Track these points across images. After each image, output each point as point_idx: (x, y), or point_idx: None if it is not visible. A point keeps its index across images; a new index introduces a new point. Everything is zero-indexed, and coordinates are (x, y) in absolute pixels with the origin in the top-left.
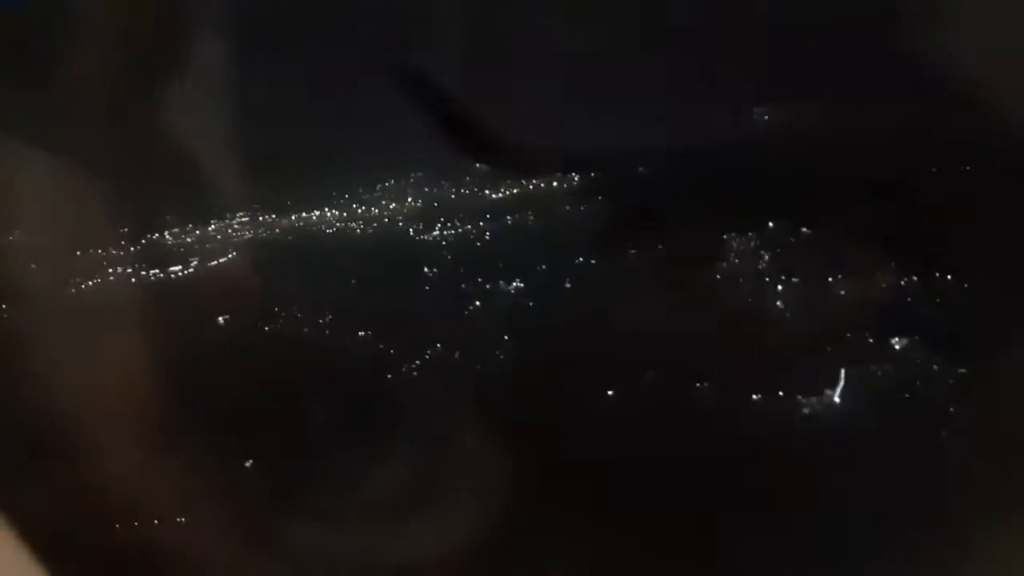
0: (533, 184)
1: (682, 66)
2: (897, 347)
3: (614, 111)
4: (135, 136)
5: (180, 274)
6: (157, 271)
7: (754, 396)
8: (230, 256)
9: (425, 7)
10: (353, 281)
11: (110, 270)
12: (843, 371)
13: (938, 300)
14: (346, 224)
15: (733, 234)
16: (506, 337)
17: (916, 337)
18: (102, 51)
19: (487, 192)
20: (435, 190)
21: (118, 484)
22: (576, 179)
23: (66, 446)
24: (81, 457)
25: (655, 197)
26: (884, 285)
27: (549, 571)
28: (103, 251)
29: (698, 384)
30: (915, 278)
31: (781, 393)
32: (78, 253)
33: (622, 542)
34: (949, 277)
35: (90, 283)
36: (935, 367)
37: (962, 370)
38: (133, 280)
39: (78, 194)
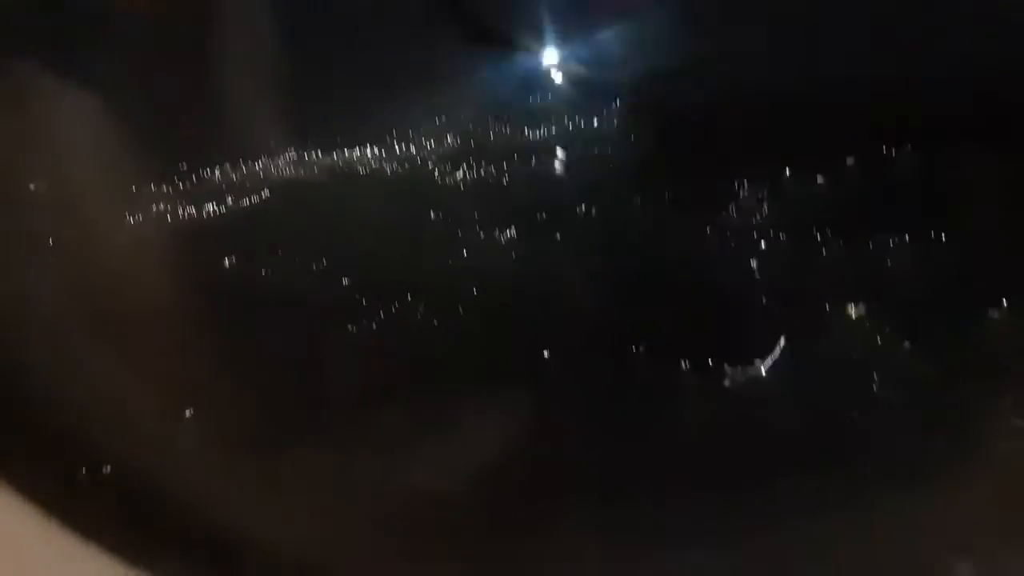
0: (574, 123)
1: None
2: (853, 316)
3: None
4: (182, 72)
5: (213, 213)
6: (193, 210)
7: (683, 364)
8: (263, 195)
9: None
10: (361, 225)
11: (154, 208)
12: (782, 340)
13: (918, 267)
14: (381, 164)
15: (745, 181)
16: (474, 291)
17: (874, 305)
18: None
19: (526, 131)
20: (479, 129)
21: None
22: (615, 117)
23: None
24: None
25: (686, 134)
26: (871, 245)
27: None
28: (157, 188)
29: (633, 348)
30: (907, 238)
31: (710, 362)
32: (133, 189)
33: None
34: (944, 238)
35: (131, 220)
36: (879, 341)
37: (905, 345)
38: (168, 218)
39: (132, 131)
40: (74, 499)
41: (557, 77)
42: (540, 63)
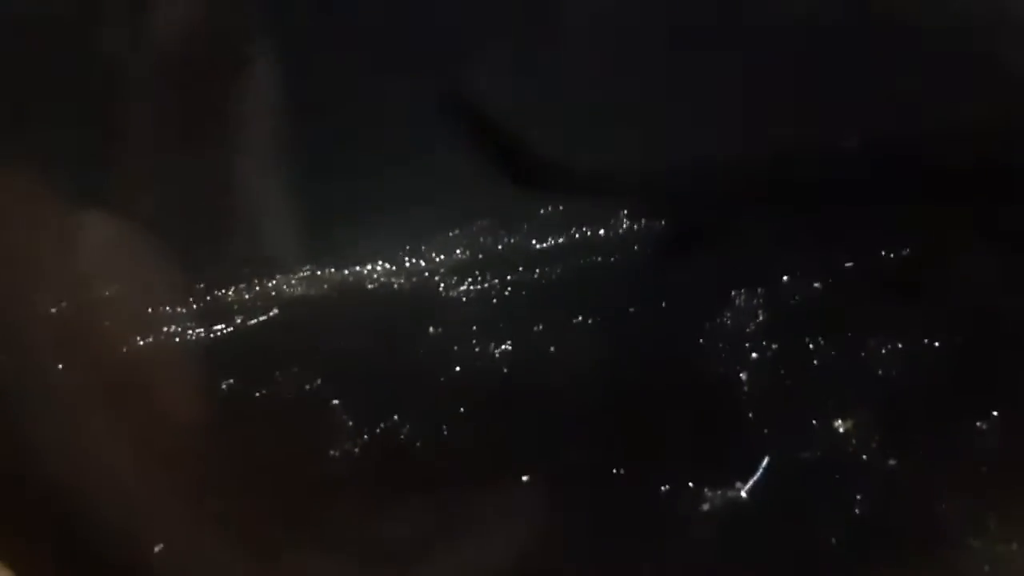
0: (580, 232)
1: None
2: (840, 430)
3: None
4: (196, 191)
5: (221, 333)
6: (201, 330)
7: (663, 488)
8: (271, 314)
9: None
10: (360, 342)
11: (164, 328)
12: (766, 459)
13: (909, 376)
14: (389, 278)
15: (742, 290)
16: (461, 410)
17: (862, 418)
18: (151, 101)
19: (533, 243)
20: (488, 240)
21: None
22: (624, 226)
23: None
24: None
25: (688, 240)
26: (862, 353)
27: None
28: (170, 308)
29: (614, 471)
30: (899, 345)
31: (691, 484)
32: (149, 311)
33: None
34: (937, 344)
35: (142, 342)
36: (864, 457)
37: (892, 462)
38: (177, 339)
39: (147, 251)
40: None
41: (567, 182)
42: (540, 158)
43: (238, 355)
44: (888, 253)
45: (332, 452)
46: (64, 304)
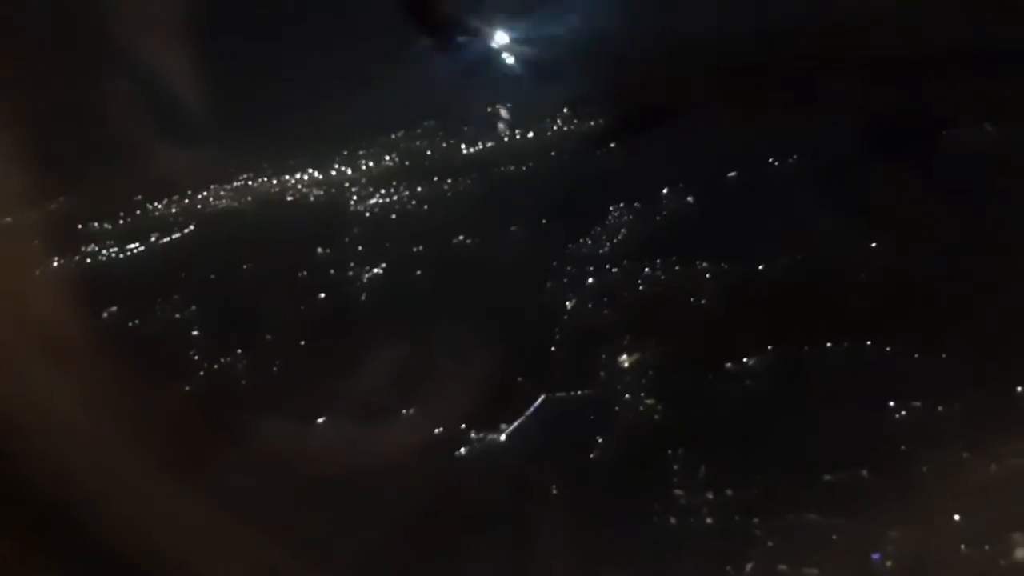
0: (510, 135)
1: None
2: (623, 366)
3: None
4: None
5: (133, 252)
6: (116, 249)
7: (436, 430)
8: (186, 232)
9: None
10: (245, 267)
11: (83, 248)
12: (540, 399)
13: (716, 305)
14: (311, 189)
15: (621, 204)
16: (303, 342)
17: (643, 356)
18: None
19: (463, 148)
20: (423, 144)
21: None
22: (553, 129)
23: None
24: None
25: (601, 145)
26: (686, 281)
27: None
28: (97, 225)
29: (404, 411)
30: (727, 273)
31: (463, 426)
32: (79, 227)
33: None
34: (760, 268)
35: (56, 263)
36: (627, 396)
37: (649, 402)
38: (88, 261)
39: (69, 167)
40: None
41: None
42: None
43: (131, 279)
44: (773, 162)
45: (202, 372)
46: (8, 219)
